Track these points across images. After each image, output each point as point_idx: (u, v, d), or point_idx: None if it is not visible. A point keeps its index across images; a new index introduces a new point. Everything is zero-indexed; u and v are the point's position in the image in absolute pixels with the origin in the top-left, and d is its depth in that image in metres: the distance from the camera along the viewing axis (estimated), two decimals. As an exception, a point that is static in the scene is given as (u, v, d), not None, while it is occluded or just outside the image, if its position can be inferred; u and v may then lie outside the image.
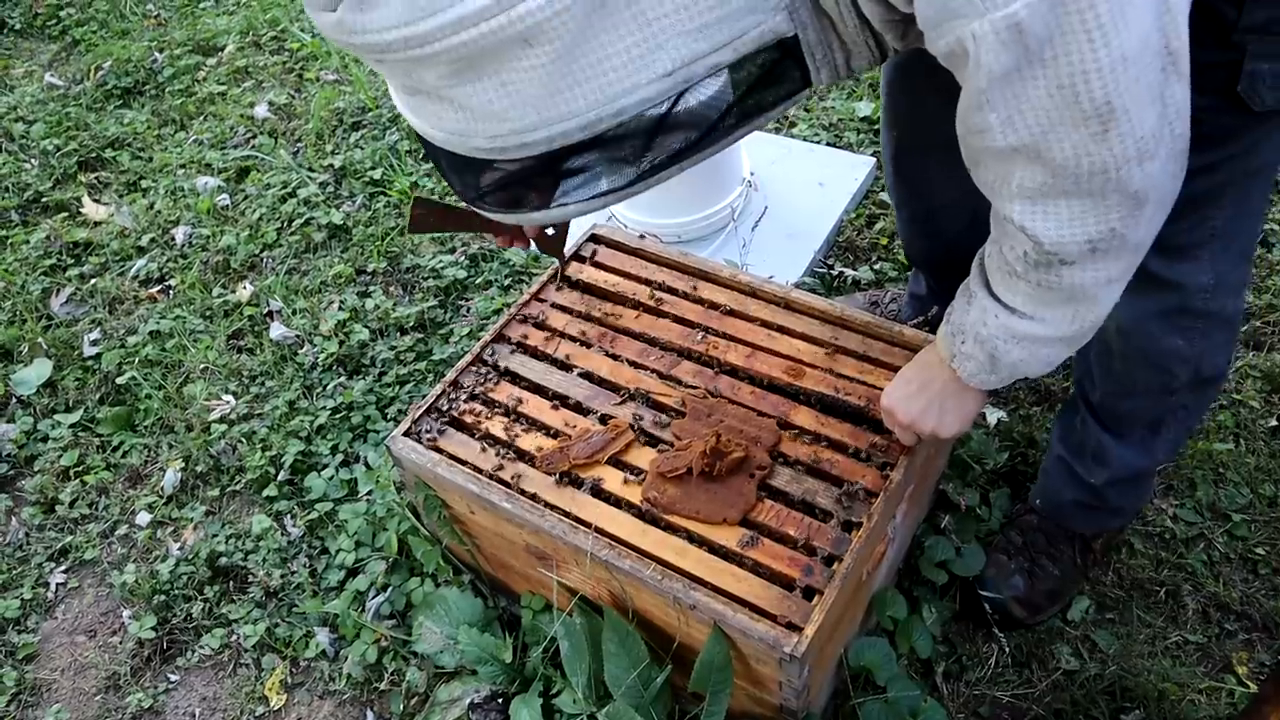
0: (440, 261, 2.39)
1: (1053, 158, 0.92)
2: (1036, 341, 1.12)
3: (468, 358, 1.67)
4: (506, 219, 1.09)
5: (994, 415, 1.98)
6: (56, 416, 2.19)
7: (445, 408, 1.61)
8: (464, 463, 1.53)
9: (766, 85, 0.98)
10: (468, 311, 2.28)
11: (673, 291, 1.72)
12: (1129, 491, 1.64)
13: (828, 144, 2.58)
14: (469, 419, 1.59)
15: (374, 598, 1.75)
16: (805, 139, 2.59)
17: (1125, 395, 1.51)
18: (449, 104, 0.92)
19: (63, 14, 3.67)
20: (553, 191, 1.02)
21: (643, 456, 1.51)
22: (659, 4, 0.86)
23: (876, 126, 2.62)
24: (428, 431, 1.58)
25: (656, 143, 0.97)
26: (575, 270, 1.77)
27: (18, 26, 3.67)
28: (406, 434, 1.58)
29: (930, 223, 1.83)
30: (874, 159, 2.47)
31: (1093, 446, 1.59)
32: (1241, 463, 1.88)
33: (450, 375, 1.65)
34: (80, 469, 2.10)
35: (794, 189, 2.40)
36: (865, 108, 2.65)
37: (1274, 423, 1.93)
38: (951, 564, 1.69)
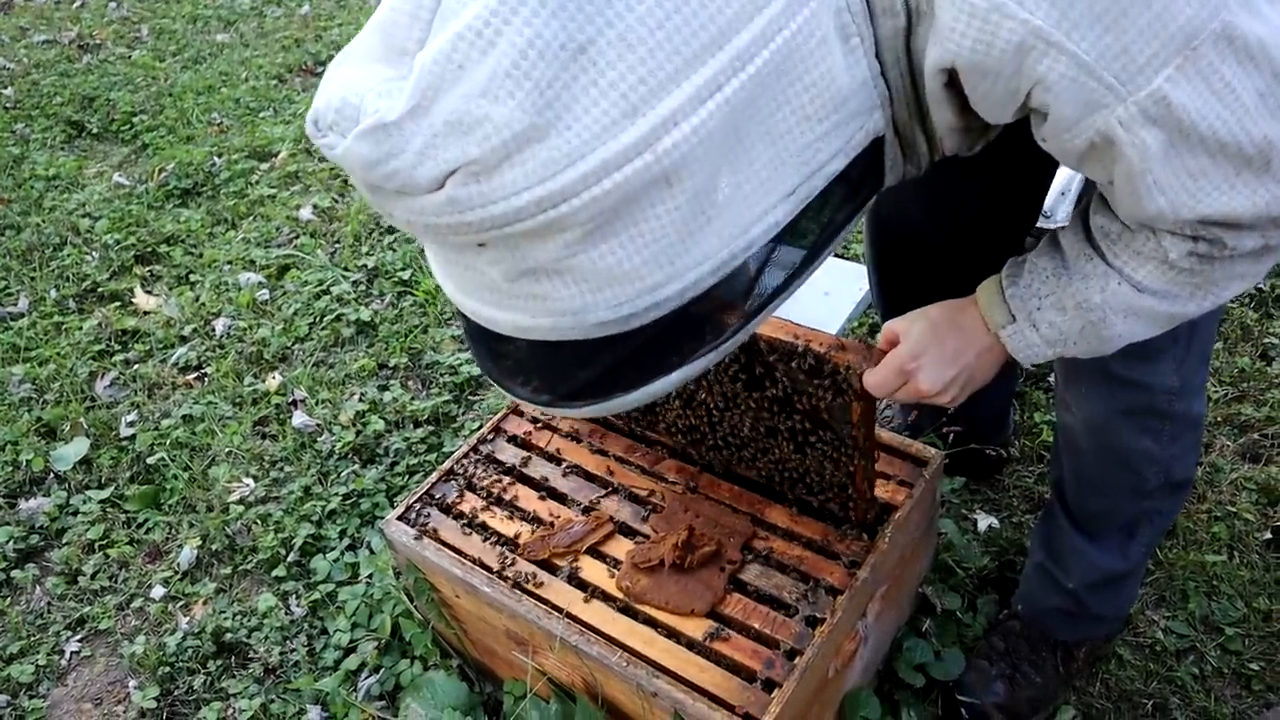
0: (458, 359, 2.51)
1: (1228, 213, 0.91)
2: (1147, 317, 1.06)
3: (464, 448, 1.76)
4: (598, 411, 0.96)
5: (985, 522, 2.00)
6: (89, 492, 2.31)
7: (439, 494, 1.69)
8: (451, 547, 1.60)
9: (855, 192, 0.94)
10: (479, 407, 2.38)
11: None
12: (1108, 598, 1.65)
13: (835, 255, 2.67)
14: (460, 506, 1.67)
15: (366, 678, 1.81)
16: (813, 248, 2.68)
17: (1097, 495, 1.54)
18: (566, 278, 0.81)
19: (135, 120, 3.95)
20: (651, 363, 0.91)
21: (620, 548, 1.57)
22: (785, 117, 0.82)
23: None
24: (420, 516, 1.66)
25: (763, 278, 0.90)
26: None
27: (95, 130, 3.95)
28: (400, 518, 1.66)
29: (906, 258, 1.76)
30: (878, 269, 2.55)
31: (1068, 549, 1.61)
32: (1235, 575, 1.87)
33: (446, 464, 1.73)
34: (105, 543, 2.20)
35: (800, 297, 2.47)
36: (873, 220, 2.75)
37: (1269, 536, 1.93)
38: (930, 667, 1.70)
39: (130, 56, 4.51)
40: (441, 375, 2.49)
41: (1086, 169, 0.95)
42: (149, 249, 3.17)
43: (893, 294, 1.83)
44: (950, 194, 1.52)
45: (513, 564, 1.56)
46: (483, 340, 0.95)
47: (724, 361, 1.44)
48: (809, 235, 0.92)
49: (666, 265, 0.81)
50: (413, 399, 2.42)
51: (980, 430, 1.92)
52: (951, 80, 0.90)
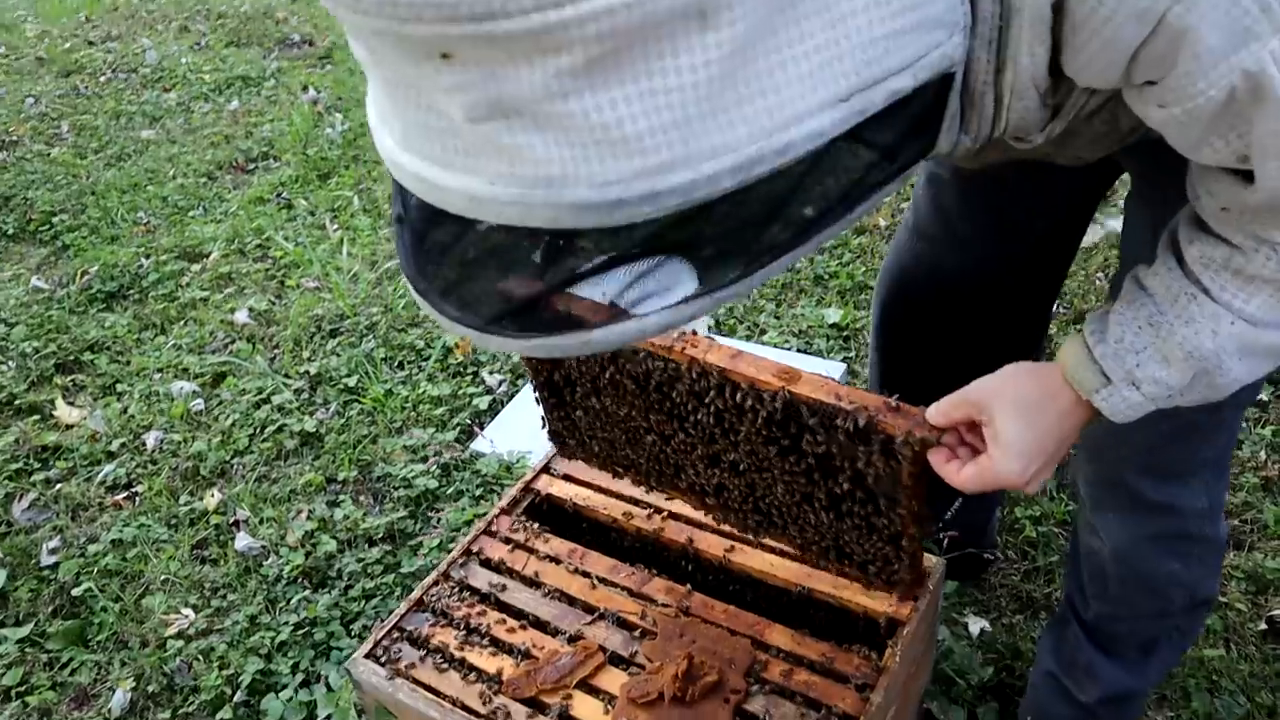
0: (412, 470, 2.38)
1: None
2: (1264, 354, 0.95)
3: (434, 575, 1.63)
4: (548, 349, 0.74)
5: (976, 625, 1.93)
6: (4, 630, 2.11)
7: (409, 627, 1.56)
8: (426, 687, 1.47)
9: (901, 145, 0.78)
10: (438, 523, 2.25)
11: (644, 504, 1.70)
12: (1121, 711, 1.60)
13: (798, 350, 2.64)
14: (433, 640, 1.54)
15: (327, 835, 1.64)
16: (776, 345, 2.66)
17: (1120, 618, 1.50)
18: (547, 133, 0.63)
19: (55, 220, 3.78)
20: (623, 294, 0.72)
21: (613, 680, 1.45)
22: None
23: (845, 333, 2.70)
24: (390, 653, 1.53)
25: (784, 214, 0.72)
26: (545, 484, 1.76)
27: (10, 231, 3.77)
28: (368, 655, 1.53)
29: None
30: (844, 364, 2.52)
31: (1084, 664, 1.55)
32: (1235, 670, 1.83)
33: (415, 593, 1.60)
34: (23, 689, 2.00)
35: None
36: (834, 314, 2.73)
37: (1263, 626, 1.90)
38: (941, 790, 1.61)
39: (49, 154, 4.35)
40: (395, 489, 2.36)
41: (1210, 146, 0.81)
42: (71, 357, 3.00)
43: (894, 353, 1.72)
44: (987, 238, 1.46)
45: (497, 704, 1.43)
46: (414, 229, 0.73)
47: (754, 414, 1.29)
48: (843, 174, 0.73)
49: (679, 144, 0.63)
50: (365, 515, 2.28)
51: (970, 533, 1.87)
52: (1059, 8, 0.76)
